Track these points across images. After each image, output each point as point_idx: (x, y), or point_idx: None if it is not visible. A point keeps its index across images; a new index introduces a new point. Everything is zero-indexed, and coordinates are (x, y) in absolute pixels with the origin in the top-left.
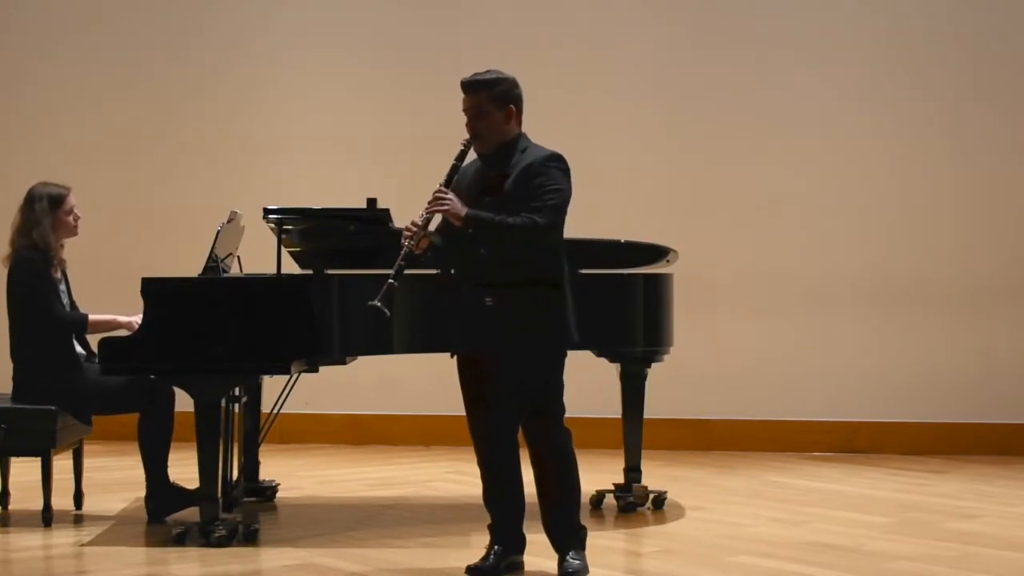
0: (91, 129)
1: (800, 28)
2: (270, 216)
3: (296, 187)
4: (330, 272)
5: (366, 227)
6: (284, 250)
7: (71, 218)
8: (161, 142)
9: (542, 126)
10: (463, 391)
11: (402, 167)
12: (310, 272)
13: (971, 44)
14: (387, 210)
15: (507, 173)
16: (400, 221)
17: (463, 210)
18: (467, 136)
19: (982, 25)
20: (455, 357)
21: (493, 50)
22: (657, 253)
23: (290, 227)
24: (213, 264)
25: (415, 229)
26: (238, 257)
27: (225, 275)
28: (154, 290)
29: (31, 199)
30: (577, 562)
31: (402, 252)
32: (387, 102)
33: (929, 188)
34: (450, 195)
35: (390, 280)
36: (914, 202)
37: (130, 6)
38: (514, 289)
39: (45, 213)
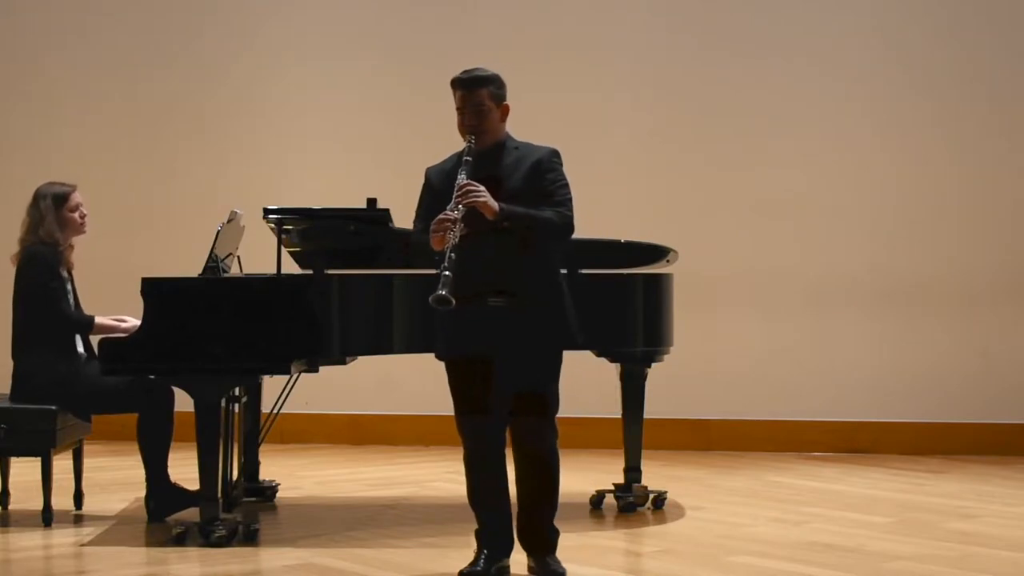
0: (91, 129)
1: (800, 28)
2: (270, 216)
3: (296, 187)
4: (330, 272)
5: (366, 227)
6: (284, 250)
7: (77, 215)
8: (161, 142)
9: (542, 126)
10: (456, 393)
11: (402, 167)
12: (310, 272)
13: (971, 44)
14: (387, 210)
15: (505, 172)
16: (400, 221)
17: (496, 204)
18: (459, 133)
19: (982, 25)
20: (446, 359)
21: (493, 50)
22: (657, 253)
23: (290, 227)
24: (213, 264)
25: (450, 222)
26: (238, 257)
27: (225, 275)
28: (154, 290)
29: (36, 198)
30: (556, 564)
31: (448, 245)
32: (387, 102)
33: (929, 188)
34: (483, 188)
35: (445, 272)
36: (914, 202)
37: (130, 6)
38: (519, 289)
39: (49, 210)
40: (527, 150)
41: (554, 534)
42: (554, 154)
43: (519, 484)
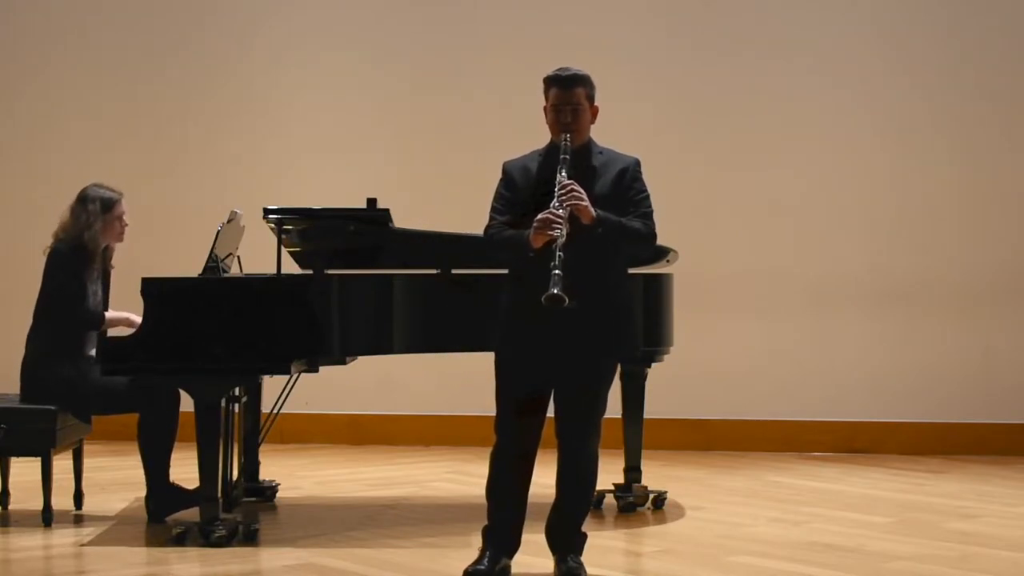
0: (91, 129)
1: (800, 29)
2: (270, 216)
3: (296, 187)
4: (330, 272)
5: (366, 227)
6: (284, 250)
7: (118, 223)
8: (161, 142)
9: (541, 126)
10: (501, 387)
11: (402, 167)
12: (310, 272)
13: (971, 44)
14: (387, 210)
15: (591, 176)
16: (400, 221)
17: (593, 209)
18: (551, 132)
19: (982, 24)
20: (498, 354)
21: (494, 50)
22: (657, 253)
23: (290, 227)
24: (213, 264)
25: (561, 220)
26: (238, 257)
27: (225, 275)
28: (154, 290)
29: (84, 199)
30: (576, 565)
31: (557, 243)
32: (388, 102)
33: (929, 188)
34: (583, 191)
35: (556, 271)
36: (914, 202)
37: (131, 7)
38: (589, 295)
39: (97, 216)
40: (611, 156)
41: (580, 537)
42: (638, 164)
43: (558, 483)
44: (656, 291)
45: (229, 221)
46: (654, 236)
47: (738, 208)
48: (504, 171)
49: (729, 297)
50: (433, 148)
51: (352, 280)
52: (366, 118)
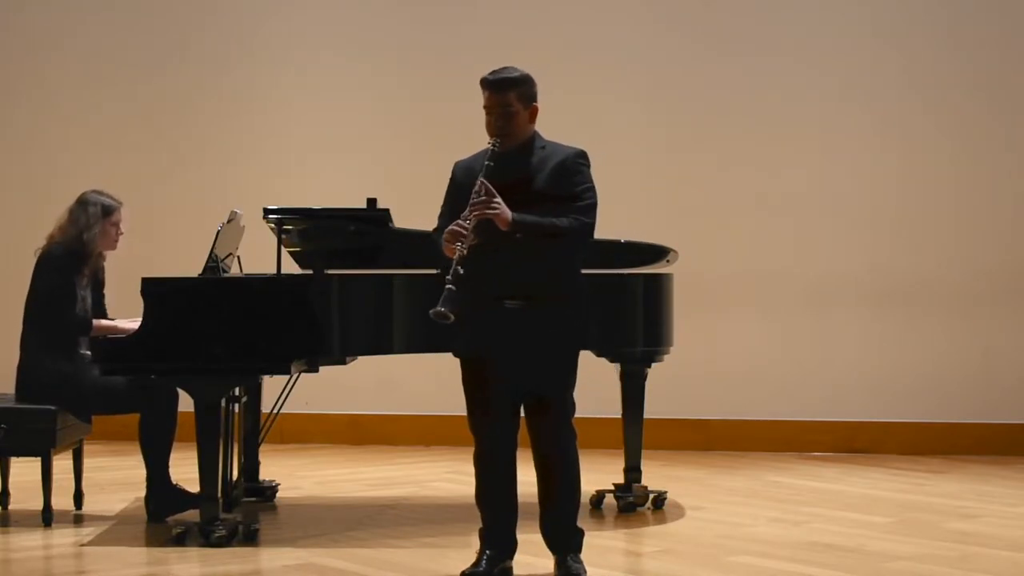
0: (91, 129)
1: (799, 28)
2: (270, 216)
3: (296, 187)
4: (330, 272)
5: (366, 227)
6: (284, 250)
7: (115, 231)
8: (161, 142)
9: (541, 126)
10: (468, 391)
11: (402, 167)
12: (310, 272)
13: (971, 45)
14: (387, 210)
15: (529, 173)
16: (400, 221)
17: (510, 214)
18: (487, 133)
19: (982, 24)
20: (461, 358)
21: (493, 50)
22: (657, 253)
23: (290, 227)
24: (213, 264)
25: (465, 232)
26: (238, 257)
27: (225, 275)
28: (154, 290)
29: (84, 203)
30: (577, 565)
31: (456, 256)
32: (388, 102)
33: (929, 188)
34: (499, 199)
35: (449, 286)
36: (914, 202)
37: (131, 6)
38: (536, 292)
39: (97, 219)
40: (553, 150)
41: (575, 534)
42: (579, 155)
43: (539, 485)
44: (656, 291)
45: (229, 221)
46: (585, 232)
47: (738, 208)
48: (452, 171)
49: (729, 297)
50: (433, 148)
51: (352, 280)
52: (366, 118)
